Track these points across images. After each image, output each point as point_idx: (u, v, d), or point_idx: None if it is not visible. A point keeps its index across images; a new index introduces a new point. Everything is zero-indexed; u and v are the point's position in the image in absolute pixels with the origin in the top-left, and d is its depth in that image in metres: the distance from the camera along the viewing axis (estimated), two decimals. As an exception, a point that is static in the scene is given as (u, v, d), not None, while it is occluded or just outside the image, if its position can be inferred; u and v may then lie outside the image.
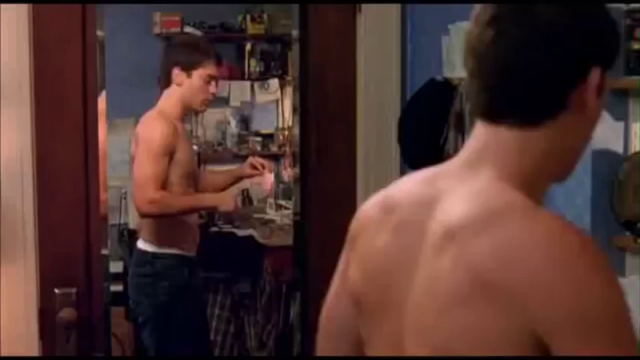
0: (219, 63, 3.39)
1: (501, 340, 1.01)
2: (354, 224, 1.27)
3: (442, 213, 1.10)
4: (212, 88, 3.35)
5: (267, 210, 5.61)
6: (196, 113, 4.93)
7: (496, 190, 1.09)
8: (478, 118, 1.15)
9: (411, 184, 1.20)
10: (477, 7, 1.14)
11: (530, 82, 1.09)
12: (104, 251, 2.34)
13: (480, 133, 1.15)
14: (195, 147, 3.63)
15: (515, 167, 1.11)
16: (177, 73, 3.31)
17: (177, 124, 3.34)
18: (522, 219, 1.04)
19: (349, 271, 1.25)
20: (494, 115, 1.13)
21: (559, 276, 0.98)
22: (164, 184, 3.22)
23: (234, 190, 3.43)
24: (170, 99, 3.35)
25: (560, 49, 1.08)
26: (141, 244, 3.40)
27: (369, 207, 1.25)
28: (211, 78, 3.33)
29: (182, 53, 3.36)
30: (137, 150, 3.25)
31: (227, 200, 3.37)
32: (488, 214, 1.05)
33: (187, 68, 3.30)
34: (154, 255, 3.34)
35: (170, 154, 3.24)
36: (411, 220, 1.15)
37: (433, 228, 1.10)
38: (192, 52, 3.37)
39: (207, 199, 3.39)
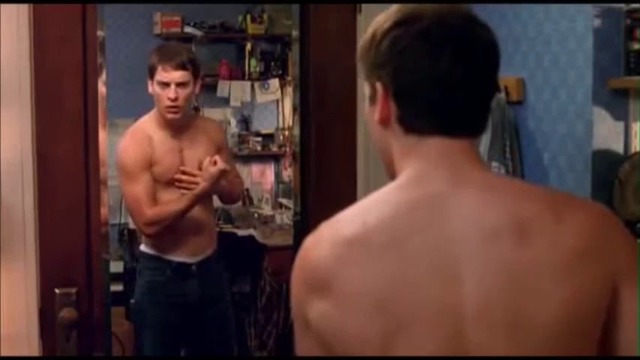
0: (180, 67, 3.19)
1: (595, 299, 1.13)
2: (314, 273, 1.20)
3: (476, 212, 1.14)
4: (169, 94, 3.18)
5: (263, 206, 5.67)
6: (196, 109, 4.92)
7: (519, 183, 1.34)
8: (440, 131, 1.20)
9: (377, 212, 1.23)
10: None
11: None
12: (104, 251, 2.33)
13: (437, 146, 1.20)
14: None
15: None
16: (149, 82, 3.26)
17: (156, 133, 3.26)
18: (580, 199, 1.23)
19: (328, 320, 1.17)
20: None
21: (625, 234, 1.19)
22: (155, 197, 3.22)
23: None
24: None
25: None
26: None
27: (330, 248, 1.23)
28: (163, 85, 3.19)
29: (148, 61, 3.27)
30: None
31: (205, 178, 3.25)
32: (554, 198, 1.19)
33: (150, 76, 3.23)
34: (139, 254, 3.47)
35: (149, 167, 3.22)
36: (411, 233, 1.15)
37: (482, 226, 1.13)
38: (151, 58, 3.26)
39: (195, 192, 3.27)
